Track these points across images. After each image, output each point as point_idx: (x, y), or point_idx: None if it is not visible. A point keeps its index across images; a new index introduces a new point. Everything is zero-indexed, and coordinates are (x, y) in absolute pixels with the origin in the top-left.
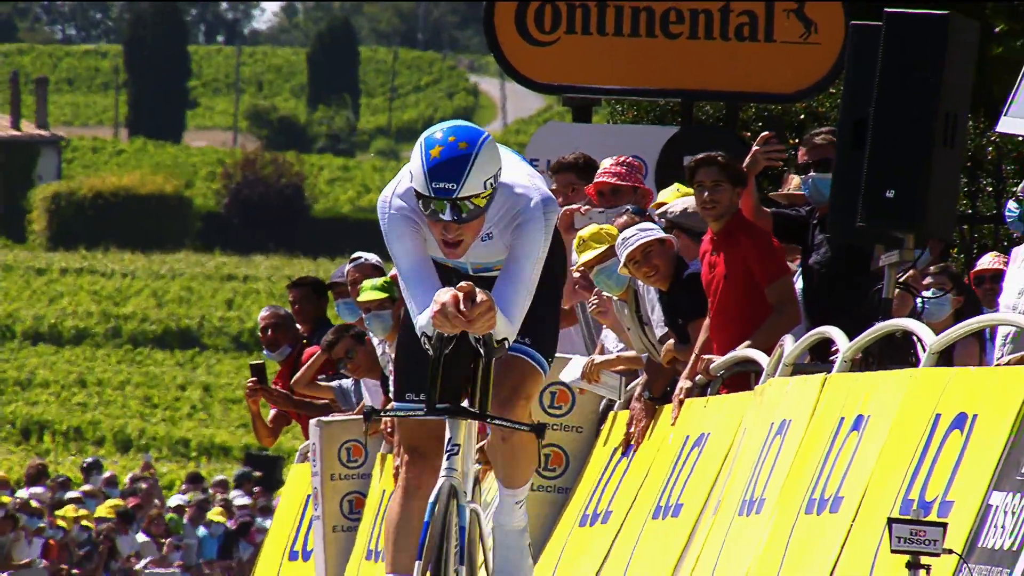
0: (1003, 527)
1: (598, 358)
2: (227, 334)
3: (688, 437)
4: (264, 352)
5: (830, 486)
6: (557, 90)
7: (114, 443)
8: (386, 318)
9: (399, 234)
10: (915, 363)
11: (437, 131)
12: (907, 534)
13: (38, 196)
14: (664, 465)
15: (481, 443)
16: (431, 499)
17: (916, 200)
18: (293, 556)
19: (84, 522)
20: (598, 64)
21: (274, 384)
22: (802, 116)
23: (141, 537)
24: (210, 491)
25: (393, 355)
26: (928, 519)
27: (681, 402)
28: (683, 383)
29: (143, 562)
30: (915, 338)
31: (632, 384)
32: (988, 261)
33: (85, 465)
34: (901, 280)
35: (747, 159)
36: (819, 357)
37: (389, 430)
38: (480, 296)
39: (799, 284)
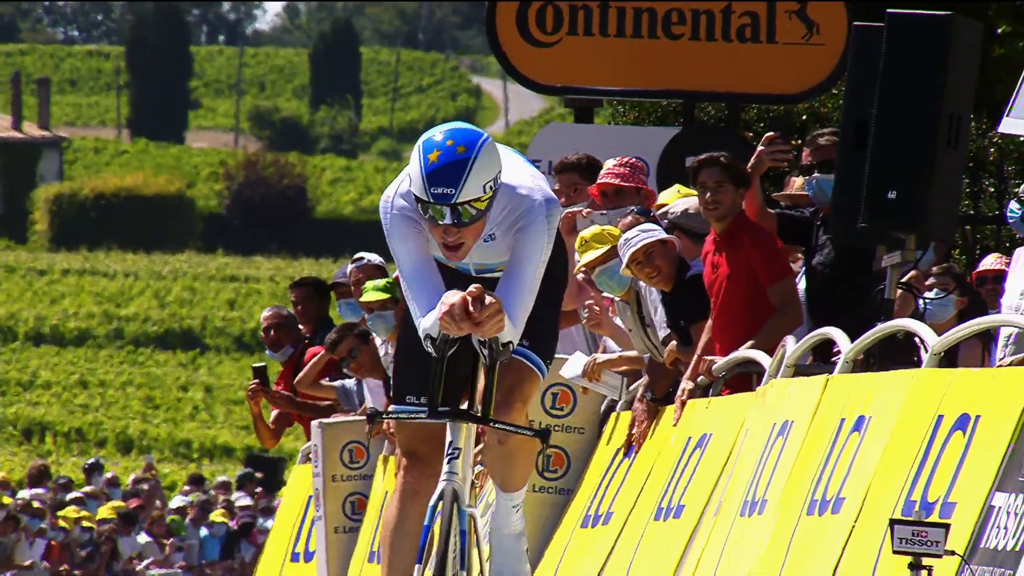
0: (1005, 528)
1: (600, 357)
2: (229, 335)
3: (690, 438)
4: (267, 352)
5: (832, 487)
6: (559, 91)
7: (116, 444)
8: (388, 319)
9: (401, 235)
10: (917, 364)
11: (436, 134)
12: (909, 535)
13: (40, 197)
14: (666, 466)
15: (478, 447)
16: (431, 503)
17: (918, 201)
18: (295, 557)
19: (86, 523)
20: (600, 65)
21: (276, 385)
22: (804, 117)
23: (143, 538)
24: (212, 492)
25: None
26: (930, 520)
27: (683, 403)
28: (685, 384)
29: (145, 563)
30: (917, 339)
31: (634, 385)
32: (990, 262)
33: (87, 466)
34: (903, 281)
35: (752, 159)
36: (821, 358)
37: (392, 431)
38: (488, 299)
39: (801, 285)
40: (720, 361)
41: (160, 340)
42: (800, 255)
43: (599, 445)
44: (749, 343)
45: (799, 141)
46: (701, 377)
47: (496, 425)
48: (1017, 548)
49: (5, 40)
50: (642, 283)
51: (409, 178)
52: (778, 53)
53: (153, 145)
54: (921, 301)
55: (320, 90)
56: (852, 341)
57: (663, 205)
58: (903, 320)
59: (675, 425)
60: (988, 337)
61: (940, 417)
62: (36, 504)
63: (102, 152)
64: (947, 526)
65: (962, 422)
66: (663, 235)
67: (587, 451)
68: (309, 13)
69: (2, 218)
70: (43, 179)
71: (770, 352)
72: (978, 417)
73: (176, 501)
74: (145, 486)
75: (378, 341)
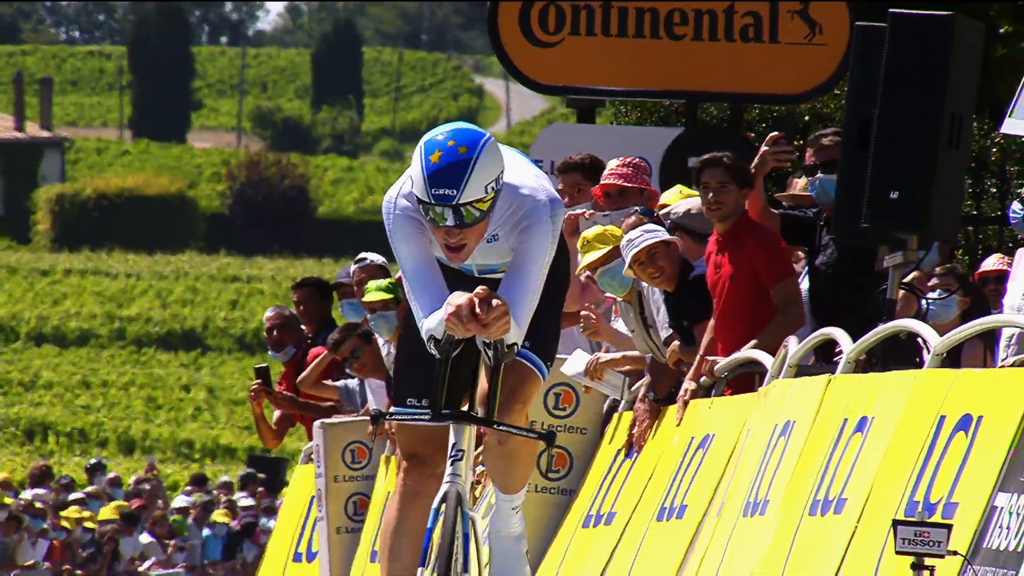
0: (1008, 528)
1: (603, 356)
2: (231, 335)
3: (692, 438)
4: (269, 353)
5: (834, 487)
6: (561, 91)
7: (118, 444)
8: (391, 319)
9: (404, 235)
10: (919, 364)
11: (438, 134)
12: (912, 535)
13: (42, 197)
14: (668, 466)
15: (478, 449)
16: (435, 505)
17: (920, 201)
18: (297, 557)
19: (88, 523)
20: (602, 65)
21: (278, 385)
22: (807, 117)
23: (145, 538)
24: (214, 492)
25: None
26: (933, 521)
27: (686, 403)
28: (688, 384)
29: (147, 563)
30: (919, 339)
31: (636, 385)
32: (992, 263)
33: (89, 466)
34: (906, 281)
35: (756, 159)
36: (823, 358)
37: (394, 431)
38: (495, 300)
39: (804, 285)
40: (722, 361)
41: (162, 340)
42: (802, 255)
43: (601, 445)
44: (751, 343)
45: (801, 141)
46: (703, 377)
47: (501, 428)
48: (1019, 549)
49: (7, 40)
50: (644, 283)
51: (411, 179)
52: (780, 53)
53: (155, 145)
54: (924, 302)
55: (322, 90)
56: (854, 341)
57: (665, 205)
58: (905, 320)
59: (677, 425)
60: (991, 338)
61: (942, 418)
62: (38, 504)
63: (104, 152)
64: (949, 526)
65: (964, 423)
66: (666, 236)
67: (590, 451)
68: (311, 13)
69: (4, 218)
70: (45, 179)
71: (772, 352)
72: (980, 418)
73: (178, 501)
74: (147, 486)
75: (380, 341)
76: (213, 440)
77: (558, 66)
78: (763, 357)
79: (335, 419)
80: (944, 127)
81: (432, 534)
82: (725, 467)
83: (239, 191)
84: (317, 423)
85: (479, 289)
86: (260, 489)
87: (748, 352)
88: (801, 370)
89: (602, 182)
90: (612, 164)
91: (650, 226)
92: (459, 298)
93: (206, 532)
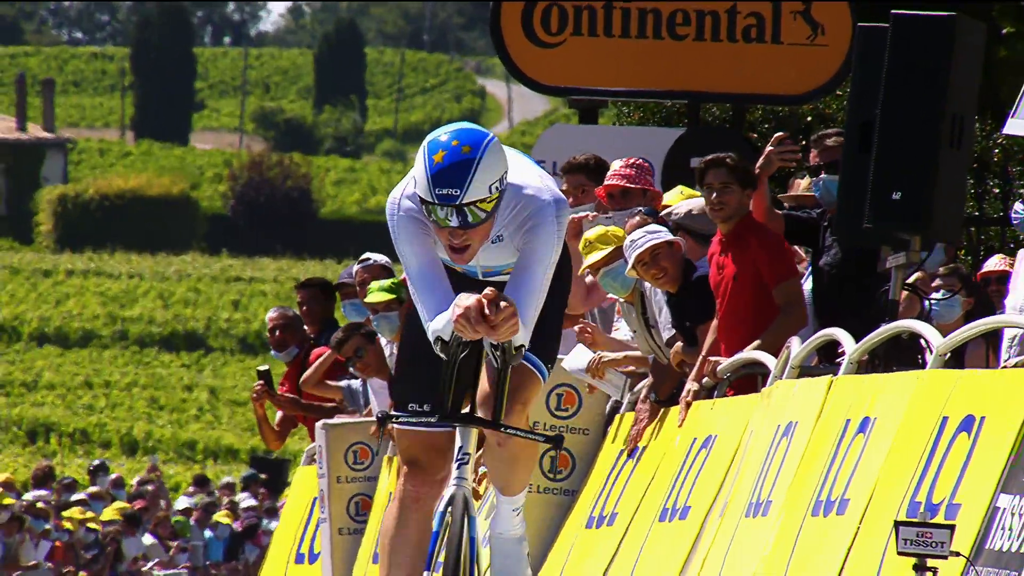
0: (1010, 529)
1: (607, 355)
2: (233, 336)
3: (695, 439)
4: (272, 353)
5: (837, 488)
6: (563, 92)
7: (120, 445)
8: (393, 319)
9: (408, 237)
10: (922, 365)
11: (441, 134)
12: (914, 536)
13: (44, 198)
14: (671, 467)
15: (478, 451)
16: (440, 508)
17: (923, 202)
18: (299, 558)
19: (90, 524)
20: (604, 66)
21: (281, 386)
22: (809, 118)
23: (147, 539)
24: (216, 493)
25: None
26: (935, 521)
27: (688, 404)
28: (690, 385)
29: (150, 564)
30: (922, 340)
31: (638, 386)
32: (994, 263)
33: (91, 467)
34: (909, 282)
35: (761, 159)
36: (826, 359)
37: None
38: (503, 302)
39: (807, 286)
40: (725, 362)
41: (164, 341)
42: (805, 256)
43: (604, 446)
44: (754, 344)
45: (804, 142)
46: (706, 378)
47: (508, 431)
48: (1022, 550)
49: (9, 42)
50: (647, 284)
51: (414, 180)
52: (783, 54)
53: (157, 146)
54: (927, 303)
55: (324, 91)
56: (857, 342)
57: (666, 206)
58: (907, 321)
59: (680, 426)
60: (994, 338)
61: (945, 418)
62: (40, 505)
63: (106, 153)
64: (952, 527)
65: (967, 423)
66: (669, 236)
67: (592, 452)
68: (313, 14)
69: (7, 219)
70: (47, 180)
71: (775, 353)
72: (983, 418)
73: (181, 502)
74: (150, 487)
75: (383, 341)
76: (215, 441)
77: (560, 67)
78: (766, 358)
79: (337, 420)
80: (946, 128)
81: (438, 537)
82: (728, 468)
83: (241, 192)
84: (319, 424)
85: (488, 290)
86: (262, 490)
87: (750, 353)
88: (804, 371)
89: (605, 183)
90: (615, 165)
91: (653, 227)
92: (467, 299)
93: (208, 533)
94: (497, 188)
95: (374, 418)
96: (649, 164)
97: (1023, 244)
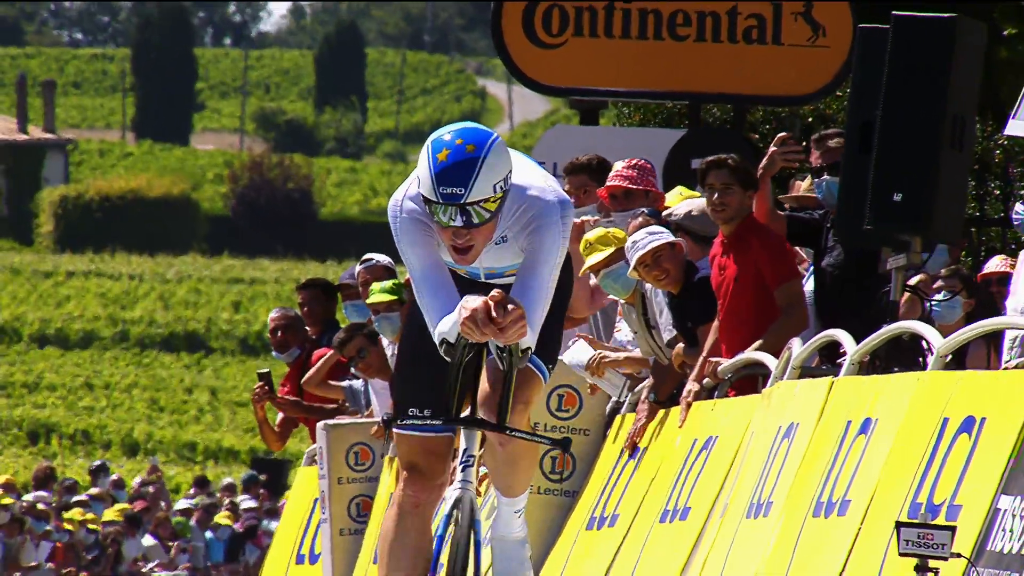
0: (1011, 531)
1: (609, 355)
2: (234, 337)
3: (696, 440)
4: (273, 353)
5: (838, 489)
6: (564, 92)
7: (121, 446)
8: (395, 320)
9: (411, 239)
10: (923, 366)
11: (445, 133)
12: (915, 538)
13: (45, 199)
14: (671, 468)
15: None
16: (445, 511)
17: (923, 203)
18: (300, 559)
19: (91, 525)
20: (605, 66)
21: (282, 386)
22: (810, 119)
23: (148, 540)
24: (217, 494)
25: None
26: (936, 523)
27: (689, 405)
28: (691, 386)
29: (150, 565)
30: (923, 341)
31: (639, 387)
32: (995, 264)
33: (92, 468)
34: (910, 284)
35: (764, 160)
36: (828, 360)
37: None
38: (510, 304)
39: (809, 286)
40: (726, 363)
41: (165, 342)
42: (807, 258)
43: (604, 447)
44: (755, 345)
45: (804, 143)
46: (707, 379)
47: (514, 434)
48: (1023, 551)
49: (10, 43)
50: (648, 285)
51: (418, 179)
52: (784, 55)
53: (158, 147)
54: (927, 304)
55: (325, 92)
56: (859, 343)
57: (666, 207)
58: (908, 322)
59: (680, 427)
60: (995, 339)
61: (946, 420)
62: (41, 506)
63: (107, 154)
64: (953, 528)
65: (968, 424)
66: (671, 238)
67: (592, 453)
68: (314, 15)
69: (7, 220)
70: (48, 181)
71: (776, 354)
72: (983, 420)
73: (181, 503)
74: (150, 488)
75: (385, 342)
76: (216, 442)
77: (561, 67)
78: (766, 359)
79: (338, 420)
80: (947, 129)
81: (443, 540)
82: (728, 469)
83: (242, 193)
84: (320, 425)
85: (495, 292)
86: (263, 491)
87: (751, 354)
88: (805, 372)
89: (608, 184)
90: (618, 166)
91: (654, 228)
92: (474, 301)
93: (209, 534)
94: (501, 188)
95: (376, 419)
96: (651, 165)
97: None
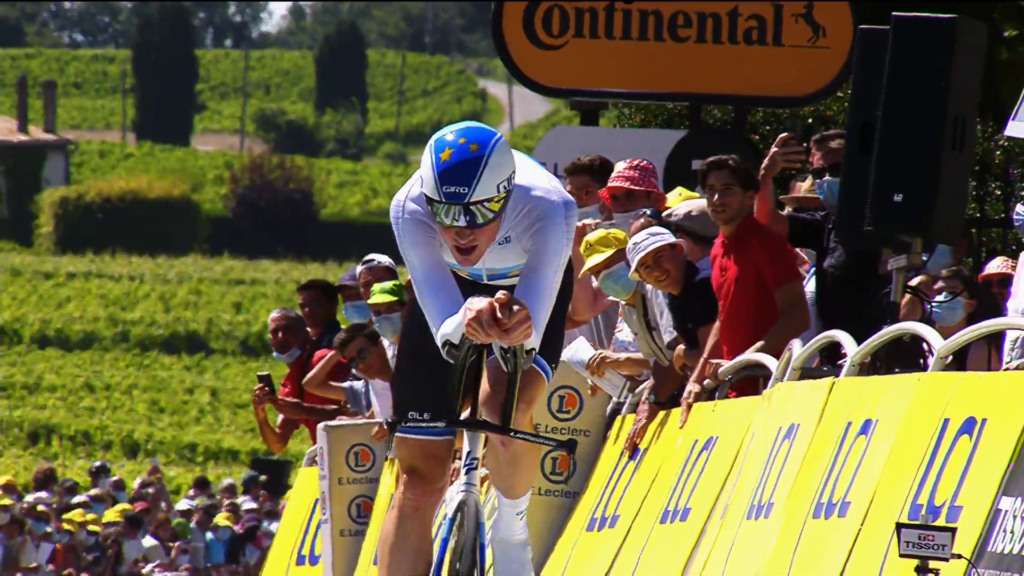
0: (1012, 532)
1: (610, 355)
2: (235, 338)
3: (696, 441)
4: (274, 354)
5: (838, 490)
6: (564, 94)
7: (121, 447)
8: (396, 321)
9: (413, 240)
10: (924, 367)
11: (448, 133)
12: (916, 539)
13: (46, 200)
14: (672, 469)
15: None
16: (449, 515)
17: (924, 204)
18: (300, 560)
19: (91, 526)
20: (606, 67)
21: (282, 387)
22: (810, 120)
23: (148, 541)
24: (217, 495)
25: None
26: (937, 524)
27: (689, 406)
28: (691, 387)
29: (150, 566)
30: (924, 342)
31: (640, 388)
32: (996, 265)
33: (93, 469)
34: (911, 285)
35: (766, 160)
36: (829, 361)
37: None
38: (515, 305)
39: (810, 287)
40: (726, 364)
41: (166, 343)
42: (807, 259)
43: (605, 448)
44: (756, 346)
45: (804, 145)
46: (707, 380)
47: (519, 436)
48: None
49: (11, 44)
50: (648, 286)
51: (421, 179)
52: (784, 56)
53: (159, 148)
54: (928, 306)
55: (326, 93)
56: (859, 344)
57: (666, 208)
58: (908, 323)
59: (681, 428)
60: (997, 340)
61: (946, 421)
62: (41, 507)
63: (108, 155)
64: (954, 530)
65: (968, 426)
66: (672, 239)
67: (593, 454)
68: (315, 16)
69: (8, 221)
70: (49, 182)
71: (776, 355)
72: (984, 421)
73: (181, 504)
74: (151, 489)
75: (386, 343)
76: (216, 443)
77: (562, 68)
78: (767, 360)
79: (339, 421)
80: (947, 130)
81: (447, 544)
82: (729, 470)
83: (243, 194)
84: (321, 426)
85: (500, 293)
86: (263, 492)
87: (752, 355)
88: (805, 373)
89: (609, 185)
90: (619, 167)
91: (655, 229)
92: (479, 302)
93: (209, 535)
94: (505, 187)
95: (376, 420)
96: (653, 166)
97: None
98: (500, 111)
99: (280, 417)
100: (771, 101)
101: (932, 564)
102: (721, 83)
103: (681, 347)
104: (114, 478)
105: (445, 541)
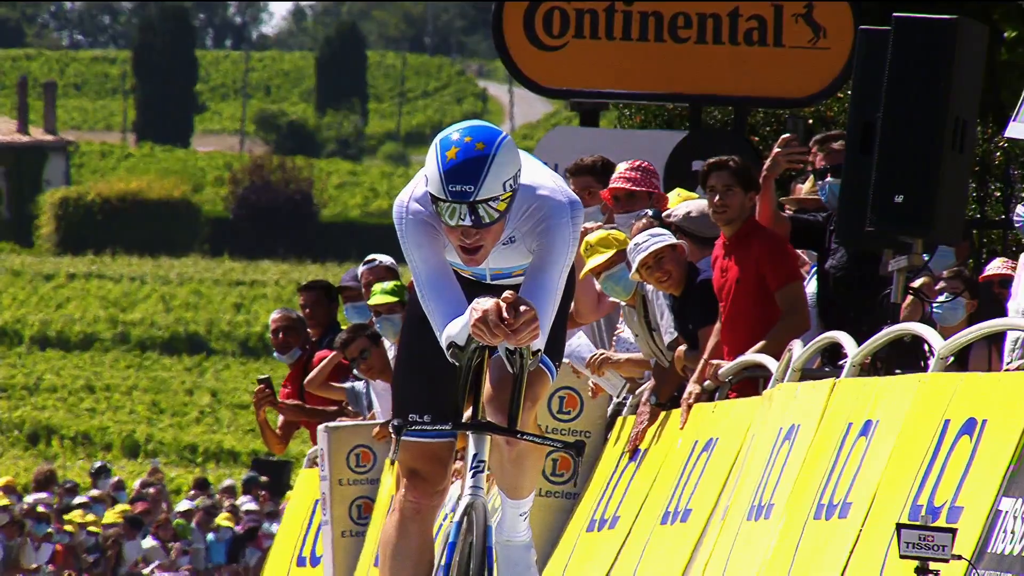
0: (1012, 533)
1: (612, 356)
2: (235, 339)
3: (697, 442)
4: (274, 355)
5: (839, 491)
6: (565, 94)
7: (122, 448)
8: (396, 322)
9: (417, 241)
10: (924, 368)
11: (453, 132)
12: (916, 540)
13: (46, 201)
14: (672, 470)
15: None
16: (456, 518)
17: (925, 205)
18: (301, 561)
19: (92, 527)
20: (606, 68)
21: (283, 387)
22: (811, 121)
23: (149, 542)
24: (217, 496)
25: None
26: (937, 525)
27: (690, 407)
28: (692, 387)
29: (151, 567)
30: (924, 343)
31: (640, 389)
32: (996, 266)
33: (93, 470)
34: (913, 286)
35: (768, 161)
36: (830, 362)
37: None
38: (522, 306)
39: (811, 288)
40: (727, 365)
41: (166, 344)
42: (808, 260)
43: (606, 449)
44: (756, 347)
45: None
46: (708, 381)
47: (525, 438)
48: None
49: (11, 45)
50: (649, 287)
51: (425, 179)
52: (785, 57)
53: (159, 149)
54: (929, 307)
55: (326, 94)
56: (860, 345)
57: (666, 209)
58: (909, 324)
59: (681, 428)
60: (998, 340)
61: (947, 421)
62: (41, 508)
63: (108, 156)
64: (954, 530)
65: (969, 426)
66: (673, 240)
67: (594, 455)
68: (315, 17)
69: (8, 222)
70: (49, 183)
71: (777, 356)
72: (985, 421)
73: (182, 505)
74: (151, 490)
75: (387, 344)
76: (217, 444)
77: (562, 69)
78: (768, 361)
79: (339, 423)
80: (948, 131)
81: (455, 548)
82: (729, 471)
83: (243, 195)
84: (321, 427)
85: (507, 293)
86: (263, 493)
87: (752, 356)
88: (806, 374)
89: (611, 185)
90: (621, 168)
91: (657, 230)
92: (485, 303)
93: (210, 536)
94: (511, 186)
95: (378, 422)
96: (654, 167)
97: None
98: (500, 112)
99: (280, 418)
100: (771, 102)
101: (932, 565)
102: (721, 84)
103: (682, 348)
104: (114, 479)
105: (452, 545)
